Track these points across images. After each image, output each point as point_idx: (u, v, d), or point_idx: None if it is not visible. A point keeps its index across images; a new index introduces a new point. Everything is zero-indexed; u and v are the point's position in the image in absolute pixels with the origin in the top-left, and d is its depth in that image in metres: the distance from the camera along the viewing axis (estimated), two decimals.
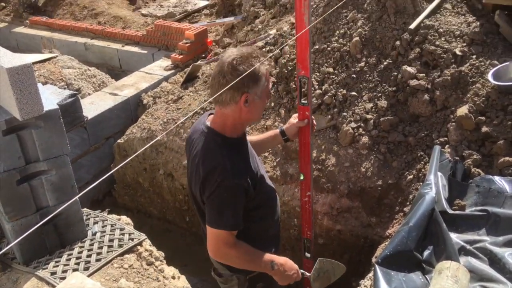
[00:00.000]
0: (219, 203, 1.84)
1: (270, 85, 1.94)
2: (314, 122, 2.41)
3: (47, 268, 2.43)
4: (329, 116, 3.47)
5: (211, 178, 1.81)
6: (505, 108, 2.86)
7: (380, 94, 3.37)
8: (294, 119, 2.37)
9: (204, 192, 1.87)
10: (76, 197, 2.11)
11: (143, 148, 1.58)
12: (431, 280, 2.08)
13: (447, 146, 2.94)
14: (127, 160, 1.39)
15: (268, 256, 2.00)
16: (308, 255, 2.75)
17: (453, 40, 3.30)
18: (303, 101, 2.31)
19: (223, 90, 1.75)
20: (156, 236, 3.30)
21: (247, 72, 1.76)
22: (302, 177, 2.54)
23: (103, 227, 2.72)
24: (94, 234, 2.66)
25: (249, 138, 2.21)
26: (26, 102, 2.13)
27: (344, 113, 3.41)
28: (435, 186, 2.53)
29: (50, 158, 2.36)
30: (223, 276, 2.15)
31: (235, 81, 1.73)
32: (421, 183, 2.80)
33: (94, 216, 2.82)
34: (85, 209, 2.85)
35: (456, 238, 2.36)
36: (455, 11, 3.54)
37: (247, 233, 1.96)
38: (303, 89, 2.29)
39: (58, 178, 2.42)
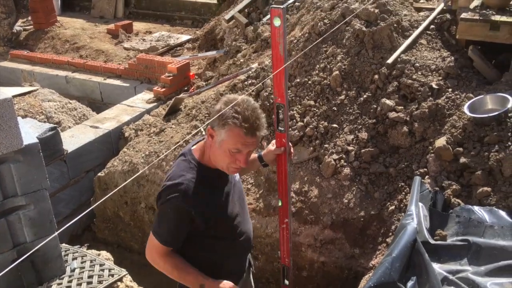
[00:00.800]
0: (162, 216, 1.96)
1: (243, 154, 1.87)
2: (292, 150, 2.43)
3: None
4: (311, 148, 3.50)
5: (166, 191, 1.90)
6: (482, 139, 2.94)
7: (360, 126, 3.43)
8: (272, 145, 2.39)
9: (157, 200, 1.98)
10: (55, 234, 2.06)
11: (125, 182, 1.57)
12: None
13: (427, 176, 2.99)
14: (107, 196, 1.37)
15: (201, 277, 1.97)
16: (286, 282, 2.73)
17: (429, 74, 3.41)
18: (280, 128, 2.34)
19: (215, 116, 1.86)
20: (137, 271, 3.21)
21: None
22: (280, 204, 2.55)
23: (82, 263, 2.64)
24: (72, 270, 2.58)
25: None
26: (5, 136, 2.10)
27: (326, 145, 3.45)
28: (416, 216, 2.55)
29: (29, 192, 2.31)
30: None
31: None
32: (403, 214, 2.82)
33: (73, 252, 2.74)
34: (63, 244, 2.78)
35: (438, 268, 2.37)
36: (430, 46, 3.67)
37: (194, 259, 2.00)
38: (280, 116, 2.32)
39: (37, 213, 2.36)
